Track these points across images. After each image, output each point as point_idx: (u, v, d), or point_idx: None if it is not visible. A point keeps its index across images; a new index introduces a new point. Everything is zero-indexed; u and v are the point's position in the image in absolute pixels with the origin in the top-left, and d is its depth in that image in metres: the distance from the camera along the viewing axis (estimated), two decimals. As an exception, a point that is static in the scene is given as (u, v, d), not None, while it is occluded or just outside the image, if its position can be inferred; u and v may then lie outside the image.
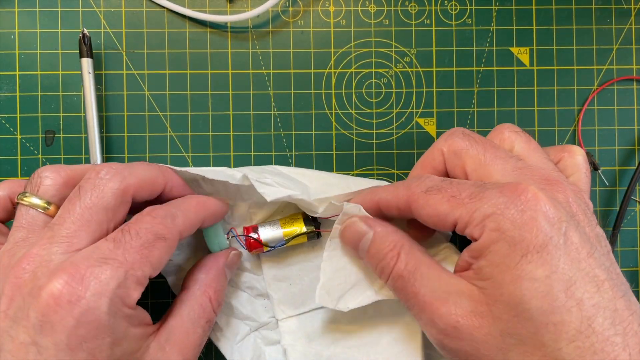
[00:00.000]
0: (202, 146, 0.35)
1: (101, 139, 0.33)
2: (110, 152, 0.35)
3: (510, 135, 0.28)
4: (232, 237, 0.31)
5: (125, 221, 0.26)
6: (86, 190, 0.24)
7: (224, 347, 0.31)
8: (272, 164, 0.35)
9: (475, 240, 0.23)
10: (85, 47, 0.33)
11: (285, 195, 0.29)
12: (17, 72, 0.35)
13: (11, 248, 0.24)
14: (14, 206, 0.27)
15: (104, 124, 0.35)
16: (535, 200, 0.22)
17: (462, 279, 0.24)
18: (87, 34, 0.33)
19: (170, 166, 0.30)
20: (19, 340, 0.21)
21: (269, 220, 0.32)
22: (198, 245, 0.33)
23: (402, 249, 0.26)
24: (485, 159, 0.26)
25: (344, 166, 0.35)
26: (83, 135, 0.35)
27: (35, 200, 0.25)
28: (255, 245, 0.31)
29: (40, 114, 0.35)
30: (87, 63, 0.33)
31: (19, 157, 0.35)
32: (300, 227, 0.31)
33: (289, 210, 0.33)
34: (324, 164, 0.35)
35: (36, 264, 0.23)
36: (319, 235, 0.32)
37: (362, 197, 0.30)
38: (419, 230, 0.29)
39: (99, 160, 0.33)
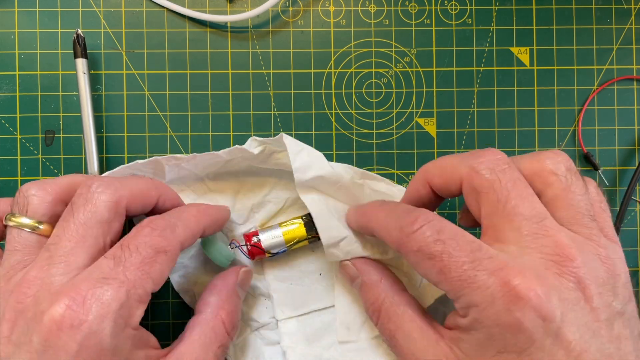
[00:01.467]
0: (202, 146, 0.35)
1: (97, 139, 0.33)
2: (110, 152, 0.35)
3: (549, 175, 0.23)
4: (234, 247, 0.31)
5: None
6: (79, 206, 0.24)
7: None
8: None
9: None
10: (80, 47, 0.32)
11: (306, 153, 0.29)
12: (17, 72, 0.35)
13: (7, 272, 0.24)
14: (4, 226, 0.27)
15: (104, 124, 0.35)
16: (525, 300, 0.20)
17: (443, 342, 0.23)
18: (81, 34, 0.33)
19: (178, 155, 0.30)
20: None
21: (269, 226, 0.32)
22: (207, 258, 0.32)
23: (382, 306, 0.26)
24: (505, 210, 0.22)
25: (344, 166, 0.35)
26: (83, 135, 0.34)
27: (25, 221, 0.24)
28: (257, 252, 0.31)
29: (40, 114, 0.35)
30: (82, 63, 0.33)
31: (18, 157, 0.35)
32: (301, 232, 0.31)
33: (291, 212, 0.33)
34: (324, 164, 0.35)
35: (37, 288, 0.22)
36: (319, 238, 0.32)
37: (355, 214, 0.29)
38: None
39: (95, 160, 0.33)
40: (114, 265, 0.22)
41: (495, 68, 0.36)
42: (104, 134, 0.35)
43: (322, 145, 0.35)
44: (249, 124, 0.35)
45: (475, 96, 0.36)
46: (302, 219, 0.31)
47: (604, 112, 0.36)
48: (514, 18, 0.36)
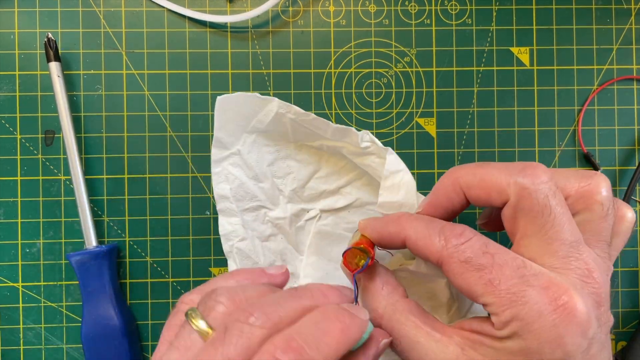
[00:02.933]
0: (202, 146, 0.35)
1: (77, 139, 0.33)
2: (109, 152, 0.35)
3: (594, 203, 0.25)
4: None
5: None
6: (232, 336, 0.21)
7: None
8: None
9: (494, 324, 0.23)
10: (52, 51, 0.33)
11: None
12: (17, 72, 0.35)
13: None
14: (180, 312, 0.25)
15: (104, 124, 0.35)
16: (571, 317, 0.21)
17: (453, 344, 0.23)
18: (52, 37, 0.33)
19: (294, 107, 0.30)
20: None
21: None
22: None
23: (384, 312, 0.26)
24: (547, 234, 0.23)
25: (344, 166, 0.35)
26: (83, 135, 0.35)
27: (203, 327, 0.22)
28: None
29: (40, 114, 0.35)
30: (55, 67, 0.33)
31: (18, 157, 0.35)
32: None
33: (354, 213, 0.33)
34: (324, 164, 0.35)
35: None
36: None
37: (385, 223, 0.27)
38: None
39: (76, 159, 0.33)
40: None
41: (495, 68, 0.36)
42: (104, 134, 0.35)
43: (322, 145, 0.35)
44: (249, 124, 0.35)
45: (475, 96, 0.36)
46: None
47: (604, 112, 0.36)
48: (514, 18, 0.36)
